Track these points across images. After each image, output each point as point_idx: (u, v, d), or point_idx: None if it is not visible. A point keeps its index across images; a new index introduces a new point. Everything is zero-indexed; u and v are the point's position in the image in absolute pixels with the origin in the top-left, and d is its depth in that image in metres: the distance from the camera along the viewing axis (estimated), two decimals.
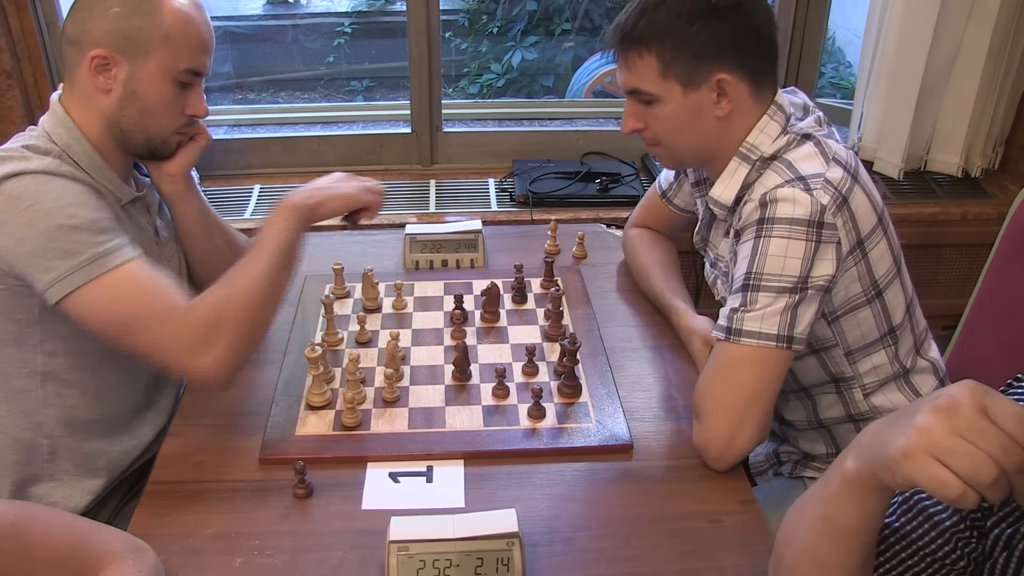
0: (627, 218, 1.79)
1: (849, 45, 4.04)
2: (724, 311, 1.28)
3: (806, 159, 1.28)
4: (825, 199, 1.23)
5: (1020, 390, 0.88)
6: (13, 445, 1.33)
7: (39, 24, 2.17)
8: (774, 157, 1.31)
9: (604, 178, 2.30)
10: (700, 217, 1.55)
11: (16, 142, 1.30)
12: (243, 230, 1.66)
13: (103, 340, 1.25)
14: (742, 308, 1.24)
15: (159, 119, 1.36)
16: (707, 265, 1.53)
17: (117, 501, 1.42)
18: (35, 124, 1.28)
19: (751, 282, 1.24)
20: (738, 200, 1.35)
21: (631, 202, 2.21)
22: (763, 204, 1.25)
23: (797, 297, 1.23)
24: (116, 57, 1.29)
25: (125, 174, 1.39)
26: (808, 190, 1.23)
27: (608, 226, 2.01)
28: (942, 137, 2.36)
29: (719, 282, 1.47)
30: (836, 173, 1.26)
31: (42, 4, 2.17)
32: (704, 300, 2.16)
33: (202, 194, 1.53)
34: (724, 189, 1.36)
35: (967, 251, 2.31)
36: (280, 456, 1.26)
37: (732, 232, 1.36)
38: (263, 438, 1.29)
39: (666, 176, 1.68)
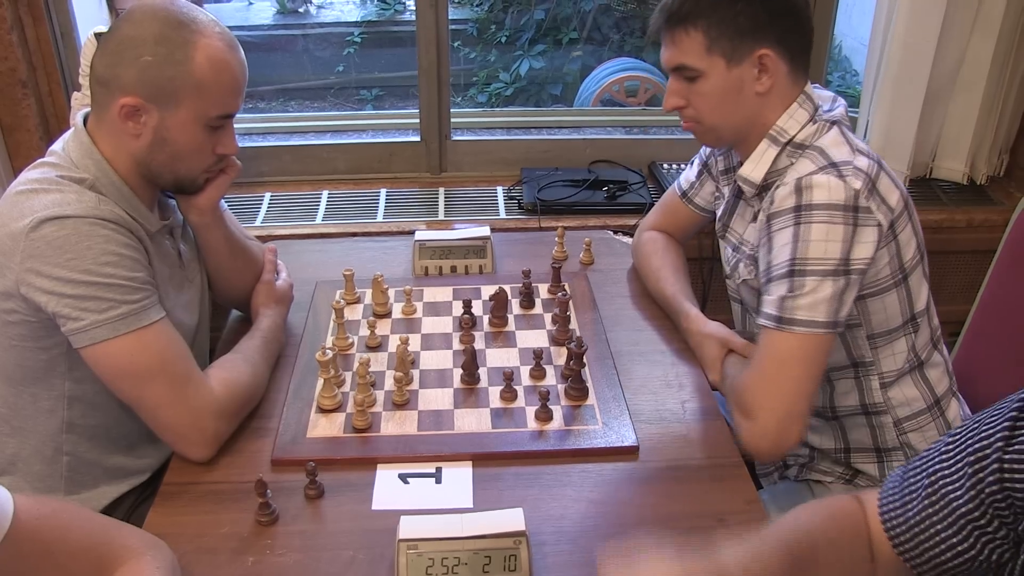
0: (634, 225, 1.81)
1: (856, 54, 4.06)
2: (770, 300, 1.30)
3: (835, 146, 1.34)
4: (858, 184, 1.28)
5: None
6: (36, 456, 1.36)
7: (54, 34, 2.20)
8: (806, 145, 1.36)
9: (612, 186, 2.31)
10: (724, 204, 1.58)
11: (47, 171, 1.29)
12: (257, 237, 1.69)
13: (110, 389, 1.28)
14: (790, 295, 1.28)
15: (189, 162, 1.35)
16: (727, 250, 1.55)
17: (131, 502, 1.44)
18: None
19: (796, 267, 1.28)
20: (766, 183, 1.40)
21: (638, 209, 2.24)
22: (798, 190, 1.29)
23: (843, 281, 1.27)
24: (147, 105, 1.27)
25: (151, 203, 1.38)
26: (841, 176, 1.28)
27: (615, 232, 2.03)
28: (947, 144, 2.37)
29: (741, 265, 1.49)
30: (863, 161, 1.32)
31: (57, 15, 2.20)
32: (711, 307, 2.18)
33: (229, 217, 1.54)
34: (754, 168, 1.41)
35: (973, 258, 2.31)
36: (292, 458, 1.28)
37: (763, 216, 1.37)
38: (275, 440, 1.32)
39: (686, 177, 1.72)
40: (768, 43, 1.34)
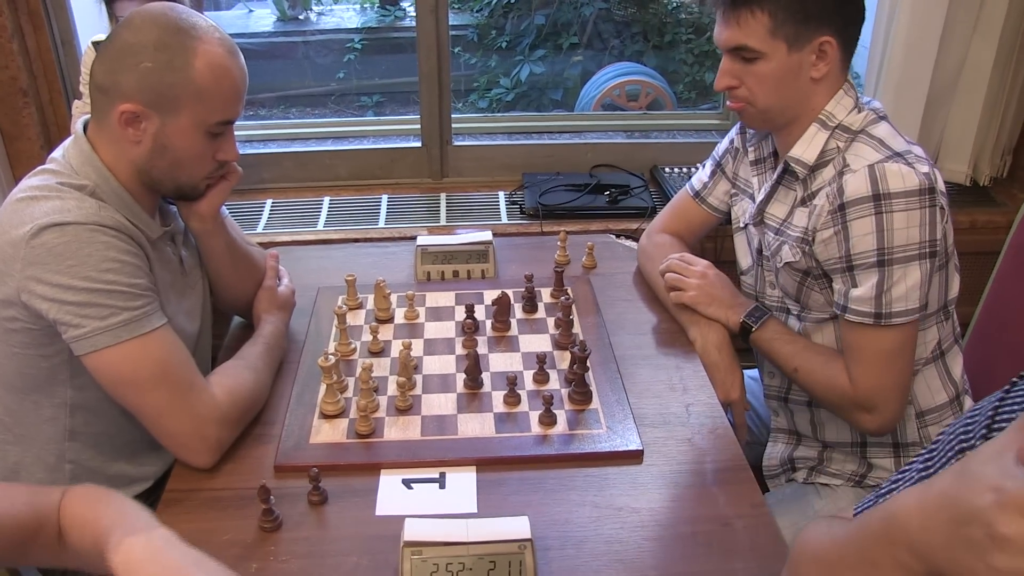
0: (637, 229, 1.80)
1: (857, 57, 4.05)
2: (861, 296, 1.35)
3: (891, 137, 1.38)
4: (925, 168, 1.33)
5: (1022, 389, 0.89)
6: (39, 464, 1.36)
7: (55, 43, 2.21)
8: (857, 131, 1.40)
9: (613, 190, 2.31)
10: (757, 193, 1.57)
11: (47, 178, 1.28)
12: (258, 243, 1.68)
13: (111, 396, 1.27)
14: (885, 290, 1.32)
15: (190, 169, 1.34)
16: (767, 235, 1.54)
17: None
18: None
19: (883, 257, 1.32)
20: (815, 165, 1.43)
21: (640, 214, 2.23)
22: (872, 179, 1.32)
23: (928, 264, 1.32)
24: (147, 111, 1.26)
25: (152, 210, 1.38)
26: (910, 164, 1.32)
27: (618, 236, 2.02)
28: (950, 146, 2.37)
29: (786, 247, 1.49)
30: (919, 150, 1.37)
31: (58, 23, 2.20)
32: None
33: (231, 224, 1.53)
34: (805, 149, 1.44)
35: (976, 259, 2.29)
36: (295, 464, 1.28)
37: (826, 202, 1.38)
38: (278, 446, 1.31)
39: (699, 178, 1.72)
40: (830, 31, 1.37)
